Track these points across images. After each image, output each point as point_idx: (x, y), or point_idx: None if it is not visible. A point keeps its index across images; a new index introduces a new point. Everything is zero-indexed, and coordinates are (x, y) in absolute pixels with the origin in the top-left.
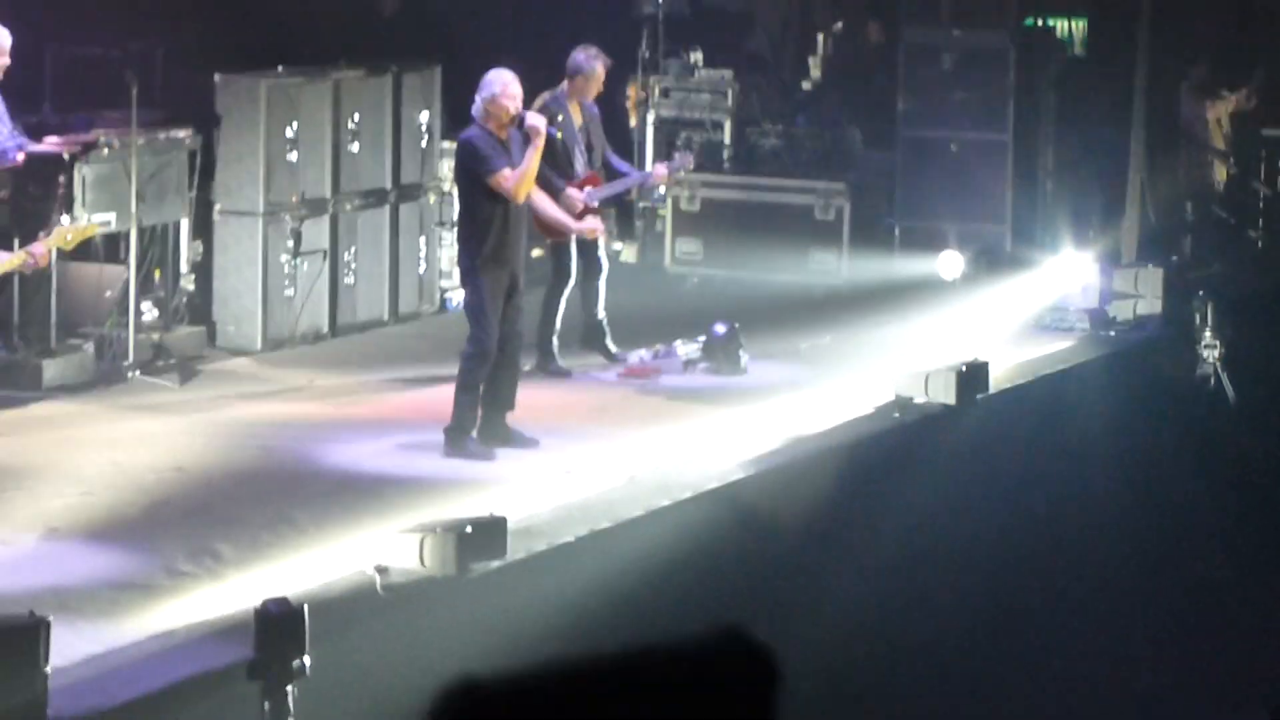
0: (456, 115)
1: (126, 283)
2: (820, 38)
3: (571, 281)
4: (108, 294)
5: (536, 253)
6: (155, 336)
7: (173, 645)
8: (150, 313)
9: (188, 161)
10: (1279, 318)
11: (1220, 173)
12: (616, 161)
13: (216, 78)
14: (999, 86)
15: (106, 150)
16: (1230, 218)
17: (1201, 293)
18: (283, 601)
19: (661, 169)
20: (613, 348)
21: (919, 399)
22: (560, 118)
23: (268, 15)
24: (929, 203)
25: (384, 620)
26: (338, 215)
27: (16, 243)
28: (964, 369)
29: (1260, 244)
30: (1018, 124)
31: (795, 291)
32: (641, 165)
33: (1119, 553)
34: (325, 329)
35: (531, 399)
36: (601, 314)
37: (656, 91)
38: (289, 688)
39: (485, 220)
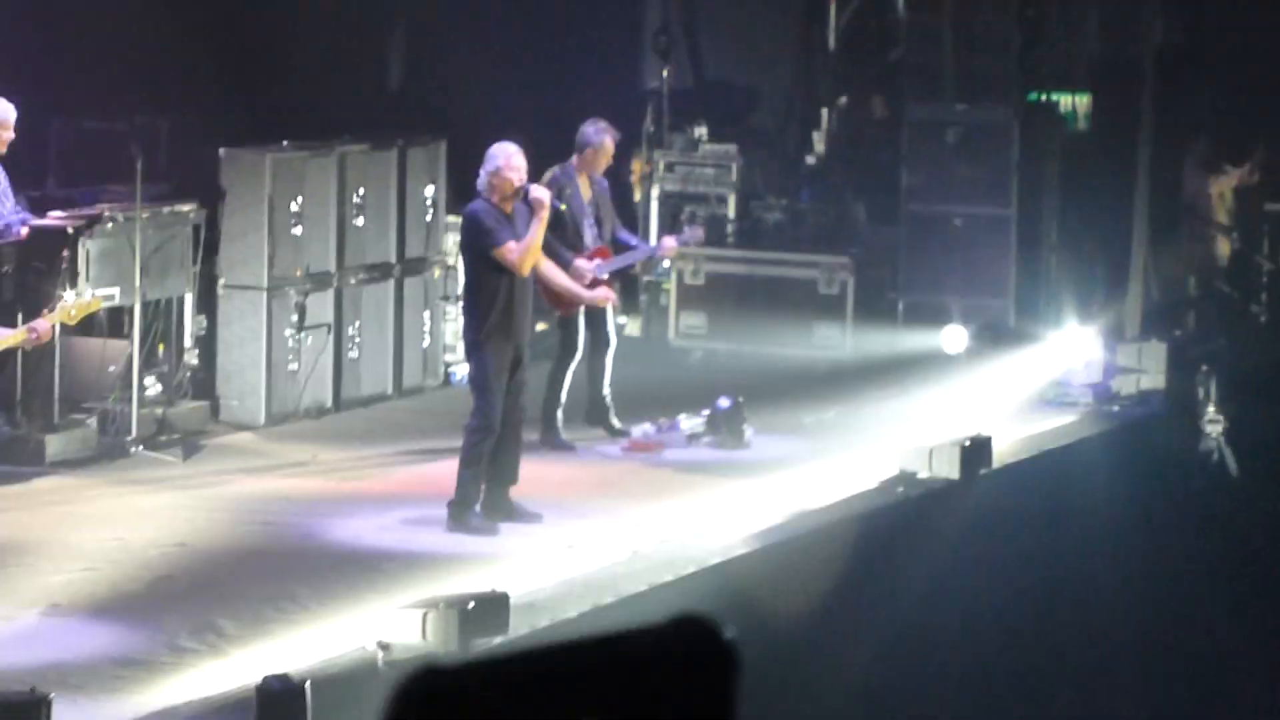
0: (462, 189)
1: (130, 357)
2: (824, 112)
3: (579, 355)
4: (111, 369)
5: (541, 326)
6: (159, 411)
7: None
8: (154, 387)
9: (192, 235)
10: None
11: (1224, 247)
12: (625, 235)
13: (221, 152)
14: (1002, 161)
15: (111, 224)
16: (1234, 293)
17: (1205, 368)
18: (285, 678)
19: (671, 242)
20: (617, 423)
21: (923, 474)
22: (569, 191)
23: (273, 89)
24: (933, 277)
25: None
26: (342, 289)
27: (20, 317)
28: (968, 444)
29: (1264, 319)
30: (1021, 199)
31: (799, 366)
32: (646, 239)
33: (1122, 628)
34: (329, 403)
35: (535, 473)
36: (607, 390)
37: (661, 166)
38: None
39: (490, 293)
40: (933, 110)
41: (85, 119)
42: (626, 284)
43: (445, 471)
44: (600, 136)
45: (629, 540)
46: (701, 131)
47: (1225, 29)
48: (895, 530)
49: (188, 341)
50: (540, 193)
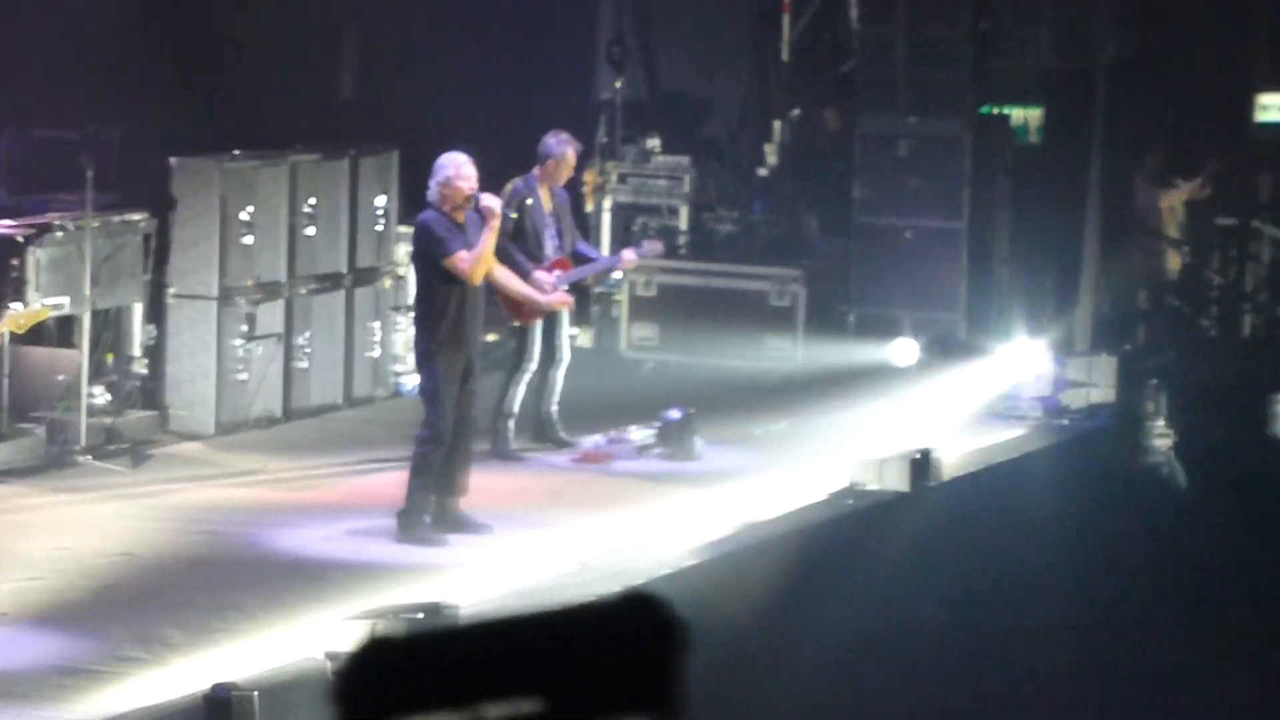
0: (413, 199)
1: (79, 366)
2: (777, 124)
3: (533, 366)
4: (60, 378)
5: (491, 337)
6: (107, 421)
7: None
8: (102, 397)
9: (142, 245)
10: (1232, 407)
11: (1174, 261)
12: (585, 248)
13: (172, 161)
14: (954, 174)
15: (61, 233)
16: (1184, 306)
17: (1155, 382)
18: (233, 686)
19: (630, 255)
20: (564, 435)
21: (872, 486)
22: (530, 202)
23: (224, 99)
24: (884, 290)
25: None
26: (292, 299)
27: None
28: (917, 456)
29: (1214, 333)
30: (973, 212)
31: (750, 377)
32: (600, 250)
33: (1070, 640)
34: (279, 413)
35: (484, 483)
36: (554, 407)
37: (614, 177)
38: None
39: (442, 303)
40: (885, 122)
41: (36, 128)
42: (578, 296)
43: (394, 482)
44: (562, 148)
45: (578, 551)
46: (654, 143)
47: (1176, 43)
48: (844, 542)
49: (137, 351)
50: (491, 201)
